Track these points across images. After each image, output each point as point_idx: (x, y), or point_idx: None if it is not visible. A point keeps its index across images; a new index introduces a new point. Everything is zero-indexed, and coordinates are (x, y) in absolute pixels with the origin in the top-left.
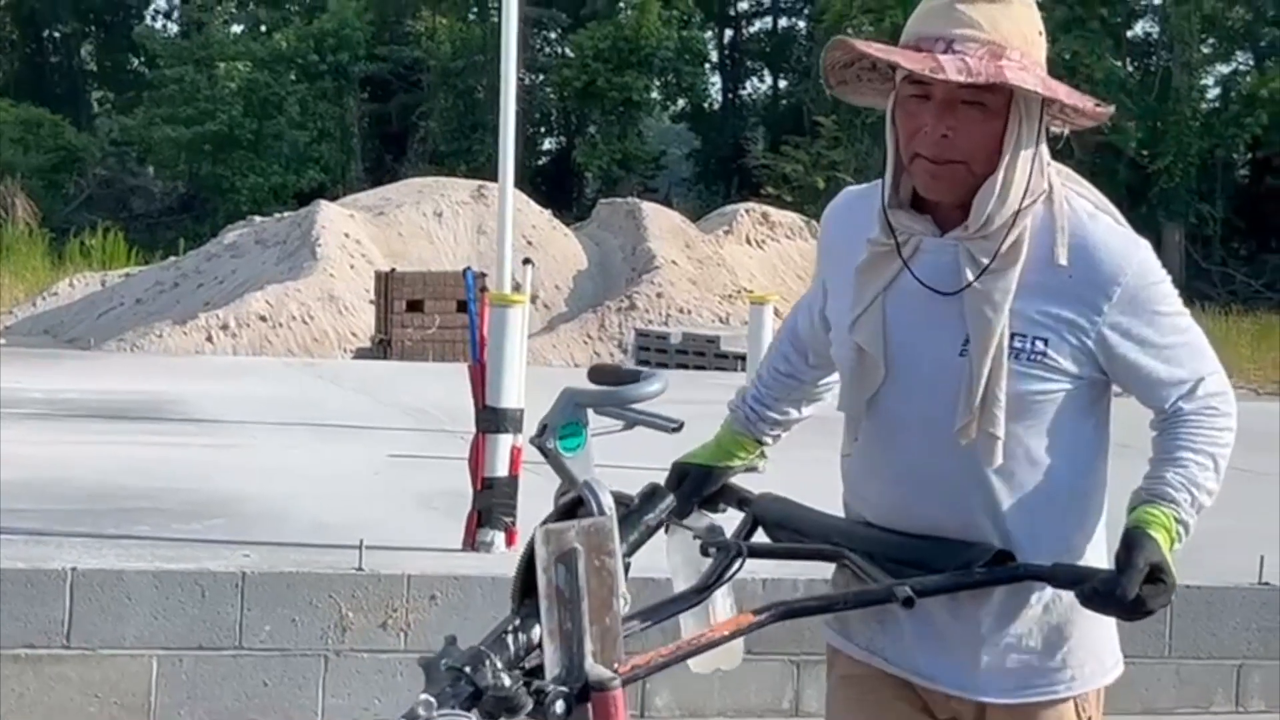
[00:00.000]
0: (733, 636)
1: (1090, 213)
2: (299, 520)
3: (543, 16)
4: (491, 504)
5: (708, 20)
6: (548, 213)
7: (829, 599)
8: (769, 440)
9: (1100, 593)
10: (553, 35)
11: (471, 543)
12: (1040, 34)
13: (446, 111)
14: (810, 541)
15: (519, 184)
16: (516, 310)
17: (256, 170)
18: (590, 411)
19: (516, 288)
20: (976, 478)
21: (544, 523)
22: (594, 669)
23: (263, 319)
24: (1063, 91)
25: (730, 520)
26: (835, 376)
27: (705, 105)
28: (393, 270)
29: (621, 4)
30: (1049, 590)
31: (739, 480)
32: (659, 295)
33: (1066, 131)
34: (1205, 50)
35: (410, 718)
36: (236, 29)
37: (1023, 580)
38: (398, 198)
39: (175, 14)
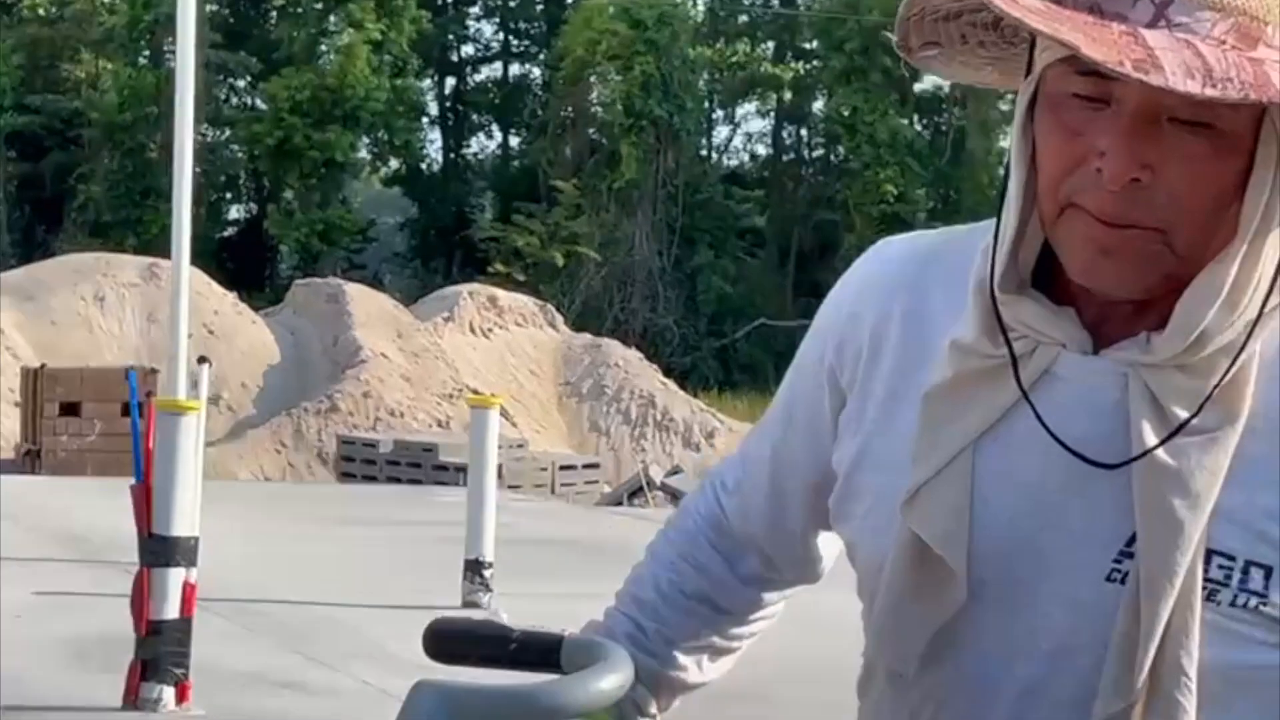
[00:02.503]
0: None
1: None
2: None
3: (229, 62)
4: (159, 652)
5: (426, 67)
6: (233, 295)
7: None
8: None
9: None
10: (241, 84)
11: (134, 700)
12: None
13: (112, 174)
14: None
15: (199, 261)
16: (190, 419)
17: None
18: None
19: (194, 386)
20: None
21: None
22: None
23: None
24: None
25: None
26: (771, 610)
27: (423, 166)
28: (43, 366)
29: (323, 47)
30: None
31: None
32: (366, 395)
33: None
34: (1003, 107)
35: None
36: None
37: None
38: (51, 279)
39: None
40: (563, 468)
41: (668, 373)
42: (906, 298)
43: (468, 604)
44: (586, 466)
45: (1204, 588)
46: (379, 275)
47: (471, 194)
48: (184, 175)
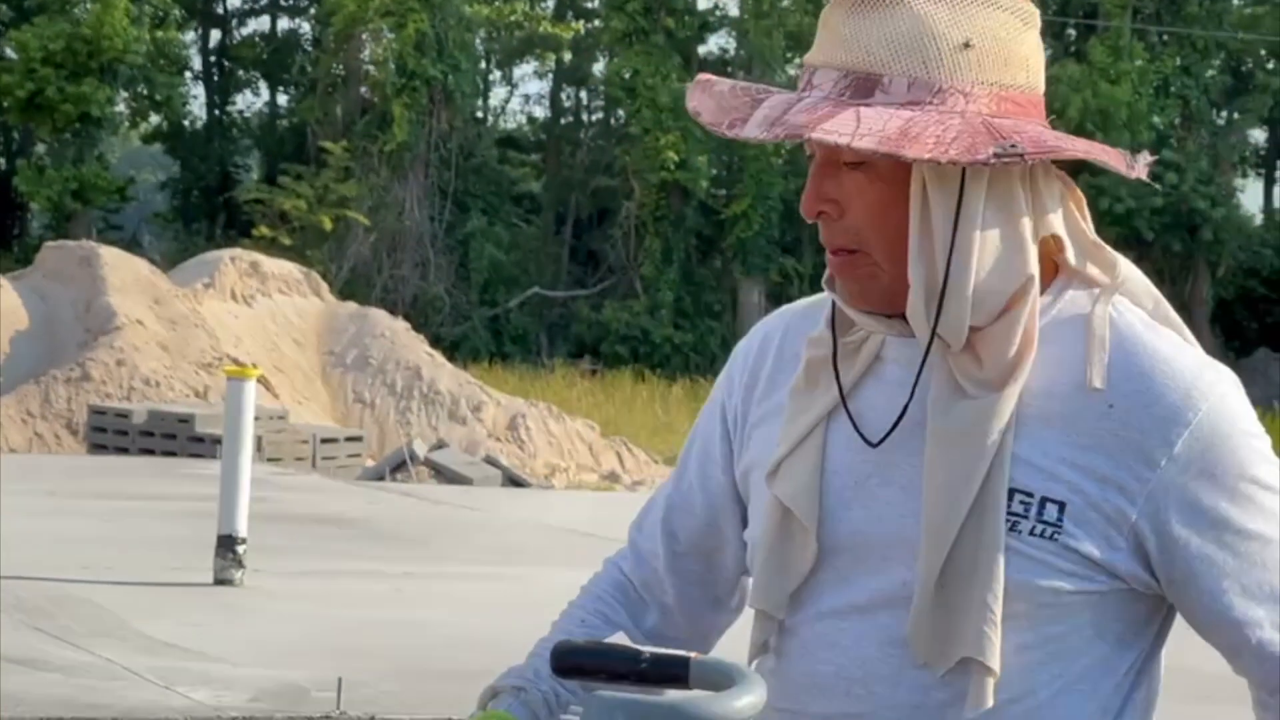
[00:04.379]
0: None
1: (1145, 321)
2: None
3: None
4: None
5: (189, 19)
6: None
7: None
8: None
9: None
10: None
11: None
12: (969, 45)
13: None
14: None
15: None
16: None
17: None
18: None
19: None
20: (932, 715)
21: None
22: None
23: None
24: (927, 140)
25: None
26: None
27: (186, 123)
28: None
29: None
30: None
31: None
32: (120, 363)
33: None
34: (791, 71)
35: None
36: None
37: None
38: None
39: None
40: (324, 440)
41: (436, 343)
42: (791, 338)
43: (220, 581)
44: (349, 440)
45: (1008, 520)
46: (138, 236)
47: (237, 153)
48: None
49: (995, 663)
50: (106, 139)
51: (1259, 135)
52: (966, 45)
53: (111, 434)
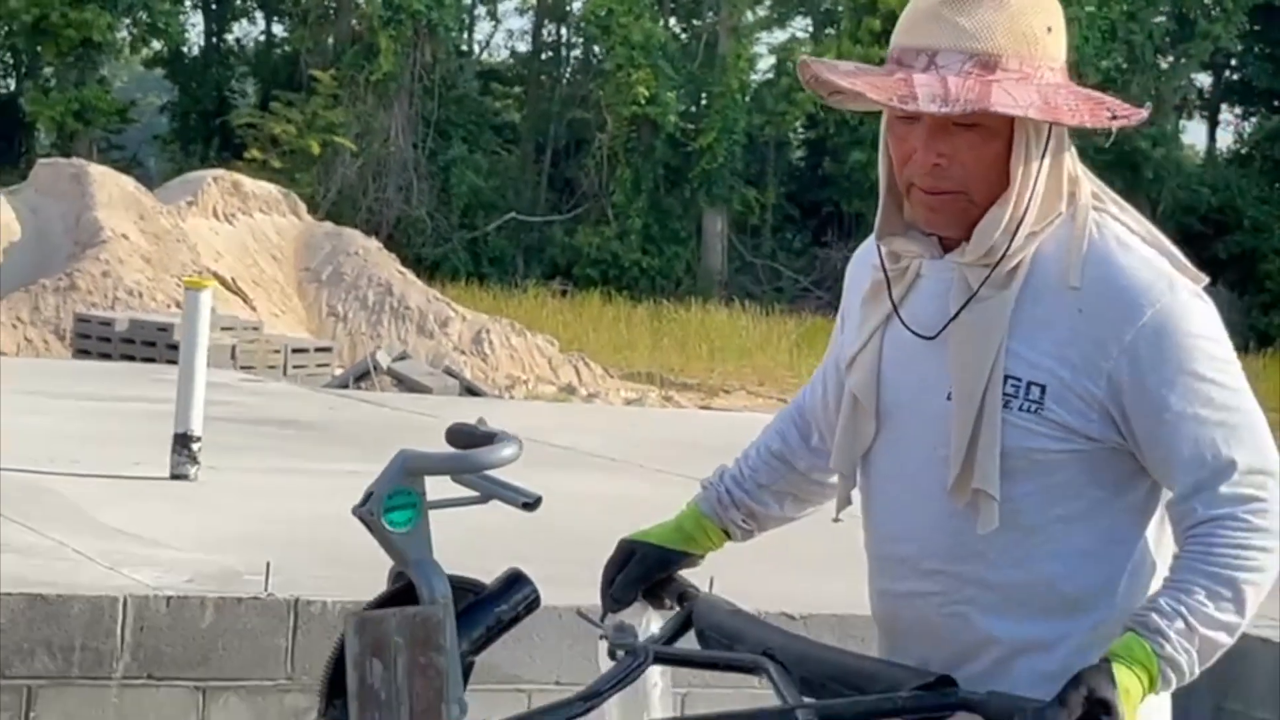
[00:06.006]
0: None
1: (1122, 240)
2: None
3: None
4: None
5: None
6: None
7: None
8: (737, 533)
9: None
10: None
11: None
12: (1051, 29)
13: None
14: (739, 651)
15: None
16: None
17: None
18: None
19: None
20: (970, 549)
21: (364, 609)
22: None
23: None
24: (1065, 110)
25: None
26: (831, 484)
27: (184, 50)
28: None
29: None
30: None
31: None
32: (105, 274)
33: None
34: (759, 14)
35: None
36: None
37: (954, 710)
38: None
39: None
40: (295, 350)
41: (418, 263)
42: (870, 258)
43: (175, 475)
44: (319, 350)
45: (1003, 399)
46: (139, 156)
47: (233, 79)
48: None
49: (995, 491)
50: (109, 63)
51: (1204, 80)
52: (1049, 30)
53: (95, 340)
